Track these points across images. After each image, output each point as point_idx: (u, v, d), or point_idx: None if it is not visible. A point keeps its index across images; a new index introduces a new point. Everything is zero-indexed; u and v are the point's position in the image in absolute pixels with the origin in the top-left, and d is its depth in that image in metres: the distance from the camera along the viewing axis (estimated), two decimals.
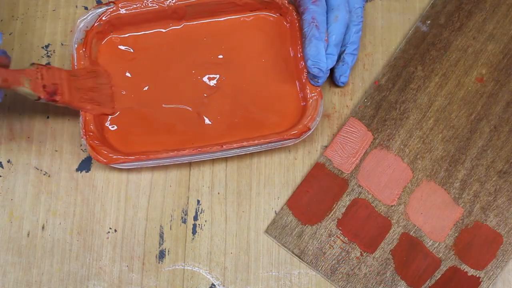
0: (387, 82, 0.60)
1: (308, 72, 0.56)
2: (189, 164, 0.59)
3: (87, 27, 0.58)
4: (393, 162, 0.59)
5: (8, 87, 0.51)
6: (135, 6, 0.58)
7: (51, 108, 0.60)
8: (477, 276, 0.56)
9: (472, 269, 0.56)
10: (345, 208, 0.57)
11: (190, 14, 0.60)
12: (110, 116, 0.58)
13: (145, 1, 0.58)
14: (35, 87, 0.52)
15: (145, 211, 0.58)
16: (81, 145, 0.59)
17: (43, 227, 0.57)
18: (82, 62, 0.57)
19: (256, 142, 0.55)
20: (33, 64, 0.53)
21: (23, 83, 0.51)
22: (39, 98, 0.52)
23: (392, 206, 0.57)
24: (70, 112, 0.60)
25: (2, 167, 0.58)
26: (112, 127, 0.58)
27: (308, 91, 0.57)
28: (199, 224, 0.57)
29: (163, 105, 0.59)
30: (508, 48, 0.62)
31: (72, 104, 0.55)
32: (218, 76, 0.60)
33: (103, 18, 0.58)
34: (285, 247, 0.57)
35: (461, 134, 0.59)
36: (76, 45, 0.57)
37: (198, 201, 0.58)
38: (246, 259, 0.57)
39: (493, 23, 0.62)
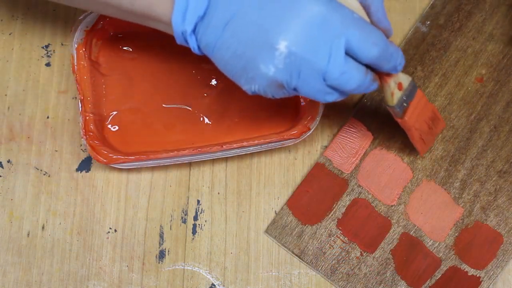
0: None
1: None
2: (189, 164, 0.59)
3: (87, 27, 0.57)
4: (393, 162, 0.59)
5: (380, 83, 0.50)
6: None
7: (51, 108, 0.60)
8: (477, 276, 0.56)
9: (472, 269, 0.56)
10: (345, 208, 0.57)
11: None
12: (110, 117, 0.58)
13: None
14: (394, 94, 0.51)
15: (145, 211, 0.58)
16: (81, 145, 0.59)
17: (43, 227, 0.57)
18: (82, 62, 0.57)
19: (256, 142, 0.55)
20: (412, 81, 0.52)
21: (390, 84, 0.50)
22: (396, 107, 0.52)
23: (392, 206, 0.57)
24: (70, 112, 0.60)
25: (2, 167, 0.58)
26: (112, 127, 0.58)
27: None
28: (199, 224, 0.57)
29: (163, 105, 0.59)
30: (507, 48, 0.62)
31: (411, 129, 0.54)
32: (218, 75, 0.60)
33: (103, 18, 0.58)
34: (285, 247, 0.57)
35: (461, 134, 0.59)
36: (76, 45, 0.57)
37: (198, 201, 0.58)
38: (246, 259, 0.57)
39: (493, 24, 0.62)
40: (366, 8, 0.48)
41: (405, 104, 0.52)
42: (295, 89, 0.47)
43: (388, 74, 0.49)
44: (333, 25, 0.44)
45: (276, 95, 0.48)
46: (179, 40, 0.48)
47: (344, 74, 0.45)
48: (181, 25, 0.46)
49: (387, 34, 0.49)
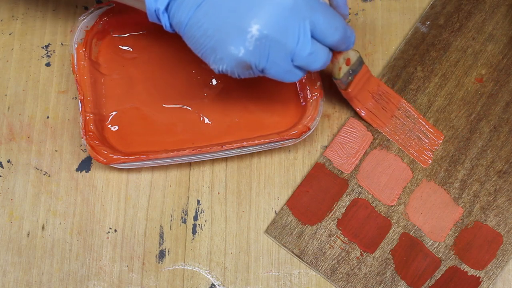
0: (387, 83, 0.61)
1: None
2: (189, 164, 0.59)
3: (87, 27, 0.58)
4: (393, 162, 0.59)
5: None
6: None
7: (51, 108, 0.60)
8: (477, 276, 0.56)
9: (472, 269, 0.56)
10: (345, 208, 0.57)
11: None
12: (110, 117, 0.58)
13: None
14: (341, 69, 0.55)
15: (145, 211, 0.58)
16: (81, 145, 0.59)
17: (43, 227, 0.57)
18: (82, 62, 0.57)
19: (256, 142, 0.56)
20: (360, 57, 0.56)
21: (339, 60, 0.54)
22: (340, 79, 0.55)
23: (392, 206, 0.57)
24: (70, 112, 0.60)
25: (2, 167, 0.58)
26: (112, 127, 0.58)
27: (308, 91, 0.57)
28: (199, 224, 0.57)
29: (163, 105, 0.59)
30: (507, 48, 0.62)
31: (353, 99, 0.58)
32: (218, 75, 0.60)
33: (103, 18, 0.58)
34: (285, 247, 0.57)
35: (461, 134, 0.59)
36: (76, 45, 0.57)
37: (198, 201, 0.58)
38: (246, 259, 0.57)
39: (493, 24, 0.62)
40: None
41: (350, 78, 0.56)
42: (262, 71, 0.49)
43: (339, 52, 0.53)
44: (302, 9, 0.47)
45: (243, 75, 0.49)
46: (151, 18, 0.49)
47: (311, 54, 0.48)
48: (154, 3, 0.48)
49: (343, 18, 0.52)
